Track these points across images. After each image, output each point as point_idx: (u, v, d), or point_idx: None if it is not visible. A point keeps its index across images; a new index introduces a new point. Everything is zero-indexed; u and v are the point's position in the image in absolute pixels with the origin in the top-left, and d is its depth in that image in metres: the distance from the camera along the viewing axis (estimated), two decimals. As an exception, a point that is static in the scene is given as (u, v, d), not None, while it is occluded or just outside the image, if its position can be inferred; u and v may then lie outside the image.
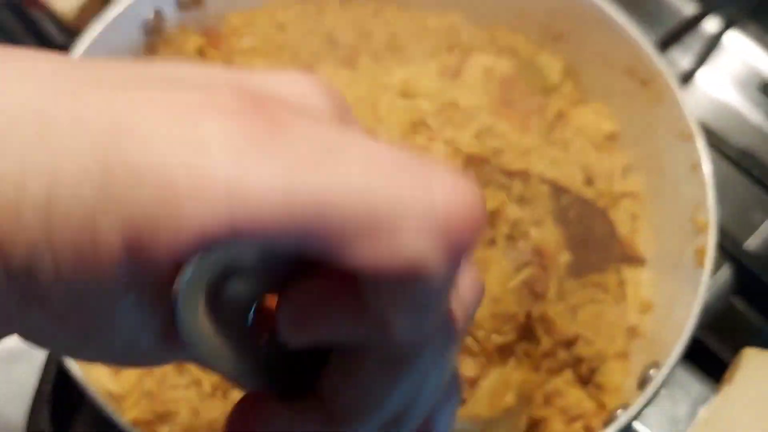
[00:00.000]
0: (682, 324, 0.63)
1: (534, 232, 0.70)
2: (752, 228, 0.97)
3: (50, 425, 0.71)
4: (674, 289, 0.72)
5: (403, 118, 0.76)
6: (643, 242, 0.79)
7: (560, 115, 0.84)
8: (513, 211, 0.71)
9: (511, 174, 0.72)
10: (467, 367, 0.67)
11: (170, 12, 0.79)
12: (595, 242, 0.76)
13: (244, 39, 0.84)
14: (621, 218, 0.80)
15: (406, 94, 0.80)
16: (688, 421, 0.60)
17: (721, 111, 1.02)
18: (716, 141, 0.88)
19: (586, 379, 0.73)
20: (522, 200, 0.72)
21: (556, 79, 0.85)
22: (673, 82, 0.73)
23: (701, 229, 0.68)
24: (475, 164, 0.71)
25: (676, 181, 0.75)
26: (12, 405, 0.85)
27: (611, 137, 0.83)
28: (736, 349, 0.85)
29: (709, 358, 0.79)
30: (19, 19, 1.01)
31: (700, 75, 1.01)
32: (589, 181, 0.81)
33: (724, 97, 0.99)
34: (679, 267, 0.72)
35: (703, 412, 0.59)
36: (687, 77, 0.98)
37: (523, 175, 0.72)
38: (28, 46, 1.00)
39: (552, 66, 0.86)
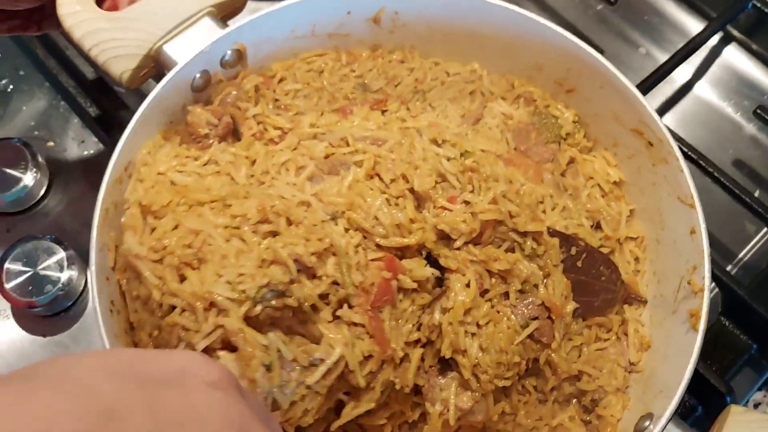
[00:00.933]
0: (676, 377, 0.72)
1: (542, 288, 0.78)
2: (746, 240, 1.07)
3: None
4: (670, 334, 0.80)
5: (433, 166, 0.81)
6: (645, 284, 0.88)
7: (571, 163, 0.92)
8: (525, 267, 0.77)
9: (524, 234, 0.79)
10: (462, 400, 0.76)
11: (215, 70, 0.84)
12: (600, 288, 0.84)
13: (287, 83, 0.90)
14: (625, 260, 0.89)
15: (435, 141, 0.87)
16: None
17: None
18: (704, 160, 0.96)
19: (590, 410, 0.83)
20: (533, 256, 0.80)
21: (569, 128, 0.92)
22: (677, 152, 0.80)
23: (696, 292, 0.76)
24: (491, 225, 0.78)
25: (675, 237, 0.83)
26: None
27: (618, 184, 0.91)
28: (725, 368, 0.95)
29: (698, 380, 0.89)
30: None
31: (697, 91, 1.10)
32: (596, 227, 0.90)
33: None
34: (677, 315, 0.80)
35: None
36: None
37: (536, 234, 0.79)
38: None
39: (565, 115, 0.92)
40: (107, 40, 0.77)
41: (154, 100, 0.76)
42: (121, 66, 0.79)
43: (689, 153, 0.97)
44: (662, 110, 1.11)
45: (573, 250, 0.82)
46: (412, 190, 0.77)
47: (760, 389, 0.99)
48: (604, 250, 0.87)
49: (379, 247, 0.71)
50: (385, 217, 0.72)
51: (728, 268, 1.04)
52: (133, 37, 0.78)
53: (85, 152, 1.14)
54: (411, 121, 0.89)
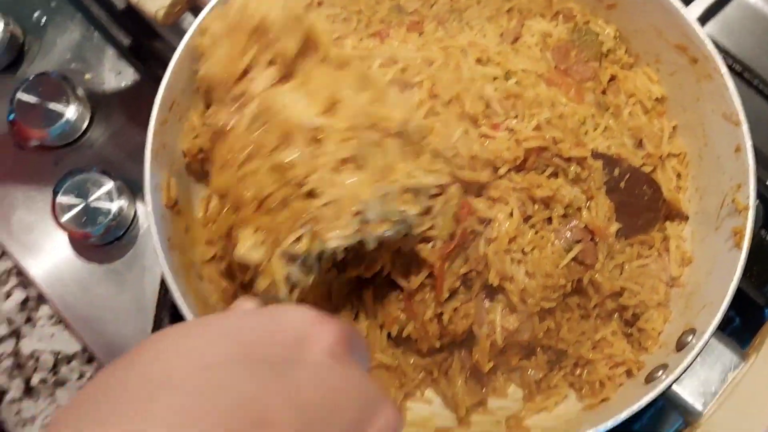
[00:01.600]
0: (719, 294, 0.74)
1: (585, 211, 0.79)
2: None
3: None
4: (713, 250, 0.80)
5: (479, 90, 0.81)
6: (687, 200, 0.88)
7: (612, 80, 0.91)
8: (567, 192, 0.78)
9: (568, 159, 0.79)
10: (509, 321, 0.78)
11: None
12: (643, 207, 0.84)
13: (325, 7, 0.90)
14: (667, 177, 0.89)
15: (480, 61, 0.86)
16: (719, 385, 0.70)
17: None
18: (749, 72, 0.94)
19: (631, 323, 0.86)
20: (577, 180, 0.80)
21: (610, 44, 0.91)
22: (723, 68, 0.79)
23: (740, 211, 0.77)
24: (535, 152, 0.78)
25: (718, 153, 0.82)
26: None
27: (660, 101, 0.90)
28: (763, 281, 0.96)
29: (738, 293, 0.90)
30: None
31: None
32: (639, 145, 0.89)
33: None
34: (719, 231, 0.80)
35: (732, 377, 0.72)
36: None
37: (580, 159, 0.80)
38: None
39: (606, 31, 0.91)
40: (140, -22, 0.77)
41: (192, 38, 0.76)
42: (155, 3, 0.78)
43: (734, 65, 0.95)
44: (705, 17, 1.08)
45: (616, 172, 0.82)
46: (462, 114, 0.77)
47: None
48: (647, 168, 0.87)
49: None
50: (464, 147, 0.72)
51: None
52: (167, -26, 0.77)
53: (123, 83, 1.15)
54: (450, 41, 0.88)
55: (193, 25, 0.76)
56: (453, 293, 0.75)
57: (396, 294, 0.77)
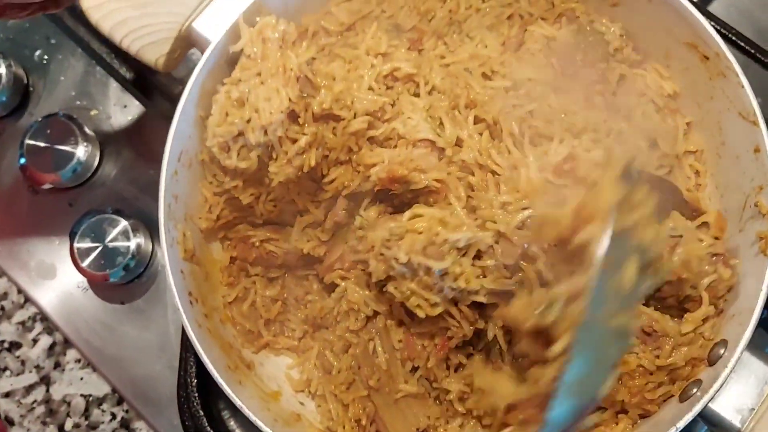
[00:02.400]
0: (749, 303, 0.72)
1: None
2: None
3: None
4: (739, 253, 0.78)
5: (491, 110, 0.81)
6: (707, 197, 0.86)
7: (621, 80, 0.89)
8: None
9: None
10: None
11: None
12: (666, 213, 0.83)
13: (321, 37, 0.88)
14: (684, 176, 0.87)
15: (486, 75, 0.85)
16: (755, 399, 0.69)
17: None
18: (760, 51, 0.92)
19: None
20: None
21: (617, 43, 0.88)
22: (737, 67, 0.76)
23: (764, 215, 0.75)
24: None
25: (737, 153, 0.80)
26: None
27: (672, 97, 0.88)
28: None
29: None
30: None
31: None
32: (653, 145, 0.87)
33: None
34: (744, 234, 0.78)
35: None
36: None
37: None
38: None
39: (612, 30, 0.88)
40: (137, 29, 0.76)
41: (193, 89, 0.75)
42: (154, 53, 0.78)
43: (743, 45, 0.92)
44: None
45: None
46: None
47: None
48: (663, 170, 0.86)
49: None
50: None
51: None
52: (162, 21, 0.77)
53: (129, 117, 1.14)
54: (450, 57, 0.87)
55: (193, 75, 0.75)
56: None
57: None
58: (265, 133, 0.74)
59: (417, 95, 0.82)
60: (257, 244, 0.84)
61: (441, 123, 0.79)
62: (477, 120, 0.80)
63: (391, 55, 0.82)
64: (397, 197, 0.79)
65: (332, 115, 0.78)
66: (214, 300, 0.81)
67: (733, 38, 0.88)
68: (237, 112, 0.74)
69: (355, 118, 0.79)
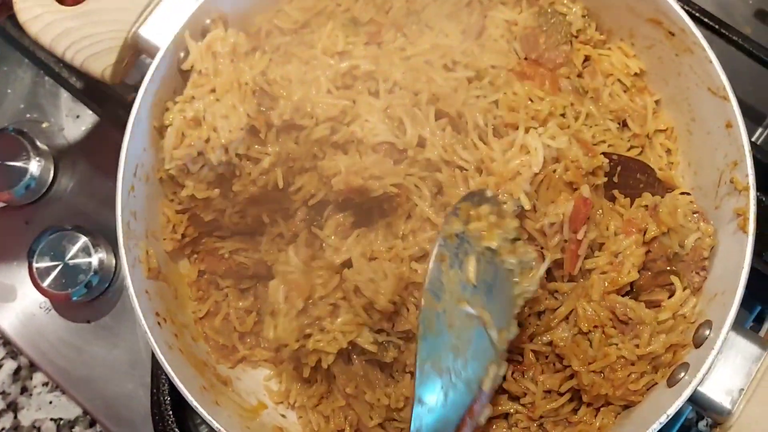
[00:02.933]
0: (731, 283, 0.70)
1: None
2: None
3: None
4: (717, 230, 0.77)
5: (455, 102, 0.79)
6: (680, 175, 0.85)
7: (587, 61, 0.87)
8: None
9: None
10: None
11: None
12: (641, 193, 0.81)
13: (275, 36, 0.84)
14: (656, 155, 0.85)
15: (447, 67, 0.82)
16: (744, 379, 0.67)
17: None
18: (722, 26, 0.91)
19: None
20: None
21: (580, 24, 0.86)
22: (703, 42, 0.75)
23: (740, 191, 0.73)
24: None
25: (708, 129, 0.79)
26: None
27: (639, 75, 0.86)
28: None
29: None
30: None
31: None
32: (623, 126, 0.86)
33: None
34: (720, 210, 0.76)
35: (756, 369, 0.67)
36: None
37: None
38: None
39: (573, 10, 0.86)
40: (79, 40, 0.72)
41: (144, 100, 0.71)
42: (101, 63, 0.74)
43: (706, 20, 0.90)
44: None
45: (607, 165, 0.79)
46: None
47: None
48: (635, 151, 0.84)
49: None
50: None
51: (757, 131, 1.00)
52: (106, 30, 0.73)
53: (83, 128, 1.10)
54: (411, 48, 0.84)
55: (143, 85, 0.71)
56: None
57: None
58: (226, 151, 0.72)
59: (377, 93, 0.79)
60: (226, 255, 0.81)
61: (401, 123, 0.76)
62: (441, 114, 0.77)
63: (350, 53, 0.79)
64: (361, 204, 0.77)
65: (294, 125, 0.75)
66: (184, 317, 0.77)
67: (696, 14, 0.87)
68: (194, 132, 0.72)
69: (317, 125, 0.76)
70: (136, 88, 0.93)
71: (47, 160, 1.06)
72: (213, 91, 0.73)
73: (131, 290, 0.68)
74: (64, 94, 1.10)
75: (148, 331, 0.67)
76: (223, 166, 0.72)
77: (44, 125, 1.10)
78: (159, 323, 0.70)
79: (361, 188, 0.74)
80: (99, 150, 1.09)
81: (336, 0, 0.86)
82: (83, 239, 0.99)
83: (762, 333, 0.73)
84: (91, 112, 1.08)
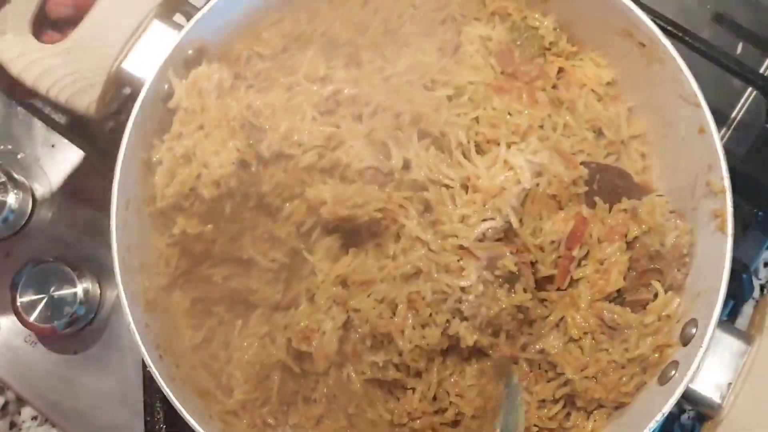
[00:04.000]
0: (713, 281, 0.73)
1: None
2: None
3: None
4: (695, 231, 0.79)
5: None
6: (656, 178, 0.88)
7: (561, 72, 0.89)
8: None
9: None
10: None
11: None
12: (618, 198, 0.84)
13: (255, 62, 0.85)
14: (632, 160, 0.88)
15: (427, 87, 0.84)
16: (732, 374, 0.70)
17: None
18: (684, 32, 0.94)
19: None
20: None
21: (552, 37, 0.88)
22: (674, 52, 0.78)
23: (716, 193, 0.76)
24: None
25: (682, 134, 0.81)
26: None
27: (611, 84, 0.89)
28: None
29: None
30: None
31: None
32: (599, 134, 0.88)
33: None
34: (698, 212, 0.79)
35: (743, 363, 0.70)
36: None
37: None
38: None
39: (545, 24, 0.88)
40: (63, 77, 0.72)
41: (132, 132, 0.72)
42: (85, 99, 0.74)
43: (669, 28, 0.93)
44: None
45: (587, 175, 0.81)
46: None
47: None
48: (611, 157, 0.87)
49: None
50: None
51: (722, 131, 1.04)
52: (89, 66, 0.73)
53: (59, 156, 1.09)
54: (390, 68, 0.85)
55: (130, 121, 0.71)
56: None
57: None
58: (218, 186, 0.72)
59: (360, 117, 0.80)
60: (220, 282, 0.81)
61: (386, 146, 0.77)
62: (423, 134, 0.79)
63: (331, 77, 0.81)
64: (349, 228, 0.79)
65: (282, 154, 0.76)
66: (180, 346, 0.78)
67: (662, 24, 0.90)
68: (185, 170, 0.73)
69: (304, 153, 0.77)
70: (112, 115, 0.95)
71: (25, 192, 1.05)
72: (201, 127, 0.74)
73: (132, 326, 0.69)
74: (38, 124, 1.09)
75: (152, 366, 0.68)
76: (216, 200, 0.73)
77: (20, 156, 1.09)
78: (161, 355, 0.70)
79: (347, 217, 0.75)
80: (77, 178, 1.08)
81: (313, 24, 0.88)
82: (67, 270, 0.99)
83: (738, 327, 0.76)
84: (66, 141, 1.08)
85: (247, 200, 0.77)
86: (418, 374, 0.79)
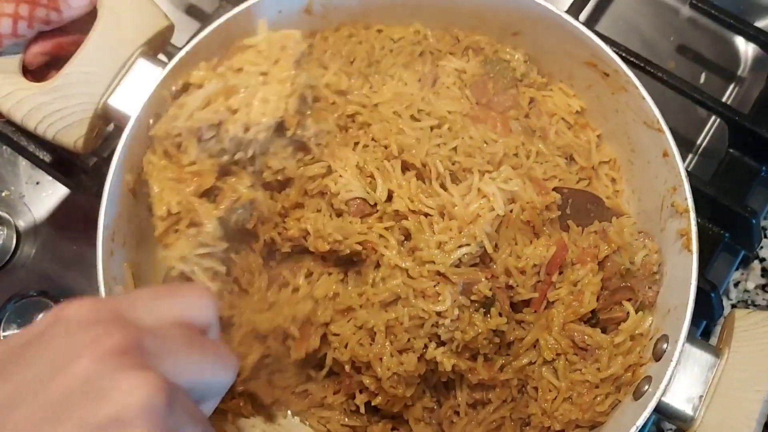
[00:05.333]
0: (681, 298, 0.76)
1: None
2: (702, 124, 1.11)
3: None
4: (663, 251, 0.82)
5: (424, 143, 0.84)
6: (626, 201, 0.91)
7: (532, 102, 0.93)
8: None
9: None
10: None
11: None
12: (591, 222, 0.87)
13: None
14: (603, 184, 0.92)
15: (414, 117, 0.87)
16: (702, 387, 0.72)
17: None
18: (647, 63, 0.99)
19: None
20: None
21: (522, 69, 0.92)
22: (635, 80, 0.82)
23: (681, 213, 0.79)
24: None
25: (647, 159, 0.85)
26: None
27: (580, 113, 0.93)
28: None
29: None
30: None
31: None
32: (570, 160, 0.92)
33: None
34: (666, 233, 0.82)
35: (712, 376, 0.73)
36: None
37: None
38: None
39: (516, 57, 0.93)
40: (51, 113, 0.75)
41: (117, 166, 0.74)
42: (72, 135, 0.76)
43: (631, 59, 0.98)
44: (596, 16, 1.11)
45: (559, 200, 0.85)
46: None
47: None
48: (583, 182, 0.90)
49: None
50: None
51: (689, 157, 1.08)
52: (76, 103, 0.75)
53: (44, 194, 1.11)
54: (376, 97, 0.89)
55: (114, 159, 0.74)
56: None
57: None
58: (246, 130, 0.71)
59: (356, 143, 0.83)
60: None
61: (372, 177, 0.80)
62: (406, 165, 0.82)
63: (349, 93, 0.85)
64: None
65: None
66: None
67: (627, 56, 0.94)
68: (224, 101, 0.70)
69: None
70: (95, 151, 0.97)
71: (9, 229, 1.07)
72: (264, 74, 0.73)
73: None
74: (23, 162, 1.11)
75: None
76: (228, 154, 0.72)
77: (4, 194, 1.11)
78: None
79: (329, 251, 0.78)
80: (62, 214, 1.10)
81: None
82: (50, 304, 1.00)
83: (718, 343, 0.78)
84: (51, 178, 1.10)
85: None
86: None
